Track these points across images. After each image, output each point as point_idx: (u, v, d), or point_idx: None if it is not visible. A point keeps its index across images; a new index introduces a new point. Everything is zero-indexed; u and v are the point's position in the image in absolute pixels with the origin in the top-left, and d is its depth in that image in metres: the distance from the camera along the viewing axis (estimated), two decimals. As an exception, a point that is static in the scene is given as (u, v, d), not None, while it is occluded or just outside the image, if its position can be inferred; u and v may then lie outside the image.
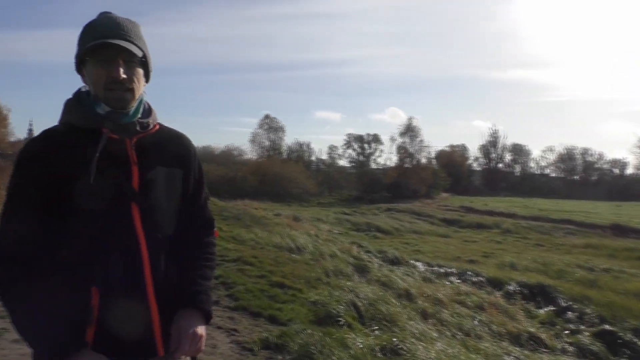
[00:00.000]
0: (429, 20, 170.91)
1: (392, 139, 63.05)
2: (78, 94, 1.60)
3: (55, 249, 1.46)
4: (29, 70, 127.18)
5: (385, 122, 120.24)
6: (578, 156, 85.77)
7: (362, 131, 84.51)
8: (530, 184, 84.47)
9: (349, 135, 76.88)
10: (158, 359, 1.53)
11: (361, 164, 73.02)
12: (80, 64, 1.56)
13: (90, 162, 1.45)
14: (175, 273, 1.64)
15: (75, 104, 1.57)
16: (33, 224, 1.45)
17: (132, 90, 1.54)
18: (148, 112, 1.66)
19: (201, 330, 1.60)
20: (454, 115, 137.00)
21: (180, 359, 1.57)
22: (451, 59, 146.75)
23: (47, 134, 1.54)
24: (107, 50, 1.48)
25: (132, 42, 1.53)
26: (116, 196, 1.50)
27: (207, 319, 1.67)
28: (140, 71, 1.58)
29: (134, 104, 1.57)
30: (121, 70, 1.50)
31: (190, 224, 1.74)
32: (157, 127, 1.68)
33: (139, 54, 1.54)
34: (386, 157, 70.22)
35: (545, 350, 6.53)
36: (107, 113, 1.52)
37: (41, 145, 1.50)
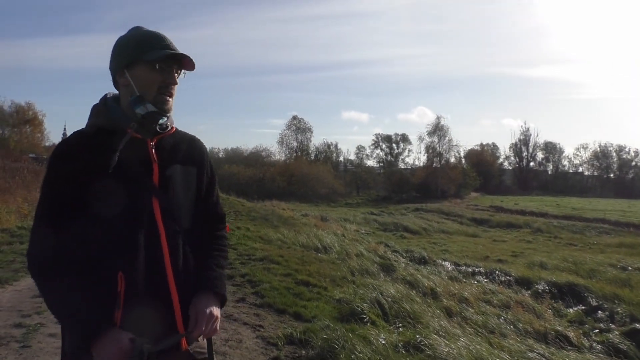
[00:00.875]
0: (457, 18, 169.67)
1: (421, 139, 62.63)
2: (105, 99, 1.77)
3: (85, 240, 1.60)
4: (62, 75, 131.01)
5: (413, 122, 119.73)
6: (613, 154, 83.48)
7: (389, 131, 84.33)
8: (563, 182, 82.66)
9: (377, 135, 76.80)
10: (177, 336, 1.65)
11: (389, 164, 72.72)
12: (124, 68, 1.71)
13: (114, 158, 1.61)
14: (192, 262, 1.79)
15: (103, 108, 1.74)
16: (64, 216, 1.59)
17: (172, 97, 1.76)
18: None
19: (216, 311, 1.74)
20: (482, 114, 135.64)
21: (197, 340, 1.69)
22: (480, 57, 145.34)
23: (76, 135, 1.70)
24: (169, 59, 1.70)
25: (191, 57, 1.73)
26: (139, 191, 1.66)
27: (222, 302, 1.82)
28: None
29: (172, 107, 1.77)
30: (173, 77, 1.73)
31: (205, 219, 1.90)
32: (174, 129, 1.85)
33: (194, 68, 1.76)
34: (414, 156, 70.16)
35: (572, 348, 6.46)
36: (148, 113, 1.68)
37: (71, 146, 1.66)
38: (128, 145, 1.65)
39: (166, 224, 1.68)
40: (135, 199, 1.63)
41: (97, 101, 1.78)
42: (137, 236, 1.62)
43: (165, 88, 1.70)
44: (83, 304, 1.53)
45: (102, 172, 1.60)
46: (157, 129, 1.73)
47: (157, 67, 1.68)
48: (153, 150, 1.71)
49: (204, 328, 1.66)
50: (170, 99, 1.74)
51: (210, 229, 1.94)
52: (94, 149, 1.62)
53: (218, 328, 1.75)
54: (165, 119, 1.75)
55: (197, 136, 1.96)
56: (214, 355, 1.82)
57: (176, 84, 1.74)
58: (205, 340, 1.80)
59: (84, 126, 1.73)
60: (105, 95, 1.79)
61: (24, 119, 51.24)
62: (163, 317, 1.64)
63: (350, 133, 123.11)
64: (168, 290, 1.66)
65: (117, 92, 1.79)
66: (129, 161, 1.64)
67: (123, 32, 1.79)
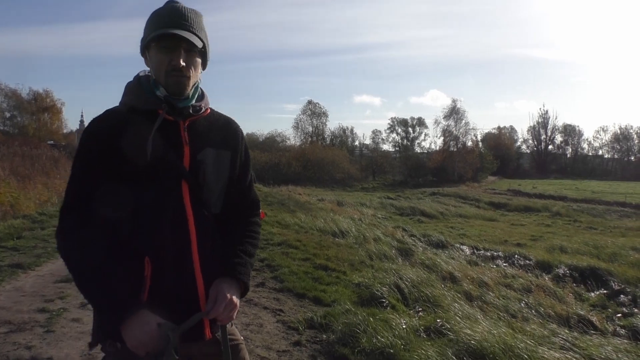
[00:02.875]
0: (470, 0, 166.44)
1: (437, 122, 62.10)
2: (138, 78, 1.71)
3: (113, 221, 1.57)
4: (79, 62, 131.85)
5: (426, 105, 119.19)
6: (634, 136, 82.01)
7: (402, 115, 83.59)
8: (583, 165, 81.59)
9: (393, 119, 76.59)
10: (196, 316, 1.58)
11: (405, 148, 72.45)
12: (145, 49, 1.66)
13: (147, 140, 1.56)
14: (220, 249, 1.73)
15: (136, 87, 1.68)
16: (94, 196, 1.56)
17: (189, 78, 1.64)
18: (201, 97, 1.75)
19: (236, 299, 1.67)
20: (496, 96, 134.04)
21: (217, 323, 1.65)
22: (493, 40, 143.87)
23: (109, 113, 1.65)
24: (170, 39, 1.59)
25: (194, 33, 1.62)
26: (169, 174, 1.60)
27: (244, 291, 1.74)
28: (199, 60, 1.68)
29: (190, 90, 1.67)
30: (181, 58, 1.60)
31: (237, 204, 1.82)
32: (209, 111, 1.77)
33: (199, 44, 1.63)
34: (431, 140, 69.67)
35: (595, 332, 6.37)
36: (165, 97, 1.62)
37: (103, 124, 1.61)
38: (160, 127, 1.60)
39: (195, 208, 1.63)
40: (164, 182, 1.59)
41: (127, 82, 1.73)
42: (164, 220, 1.58)
43: (173, 70, 1.60)
44: (114, 282, 1.50)
45: (132, 153, 1.55)
46: (190, 111, 1.67)
47: (162, 47, 1.60)
48: (185, 133, 1.65)
49: (221, 310, 1.59)
50: (183, 80, 1.62)
51: (242, 214, 1.87)
52: (127, 128, 1.58)
53: (235, 316, 1.68)
54: (193, 99, 1.68)
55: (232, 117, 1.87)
56: (242, 342, 1.78)
57: (184, 65, 1.60)
58: (232, 326, 1.76)
59: (115, 105, 1.69)
60: (138, 74, 1.73)
61: (43, 107, 51.90)
62: (187, 303, 1.59)
63: (363, 117, 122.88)
64: (194, 276, 1.62)
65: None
66: (160, 143, 1.59)
67: (139, 18, 1.77)
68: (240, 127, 1.88)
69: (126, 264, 1.54)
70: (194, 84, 1.69)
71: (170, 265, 1.58)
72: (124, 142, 1.55)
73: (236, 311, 1.67)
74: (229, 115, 1.87)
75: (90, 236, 1.53)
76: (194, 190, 1.63)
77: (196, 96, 1.72)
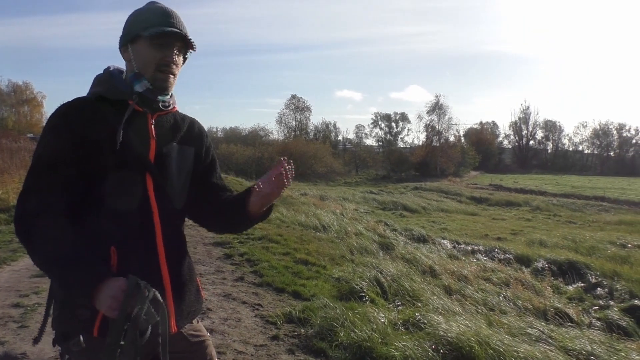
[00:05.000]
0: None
1: (420, 117, 62.29)
2: (109, 71, 1.73)
3: (79, 209, 1.55)
4: (62, 55, 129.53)
5: (405, 100, 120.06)
6: (613, 132, 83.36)
7: (382, 109, 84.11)
8: (563, 160, 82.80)
9: (376, 114, 76.89)
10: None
11: (389, 143, 72.73)
12: (128, 44, 1.67)
13: (116, 130, 1.56)
14: (184, 244, 1.77)
15: (107, 78, 1.69)
16: (59, 174, 1.52)
17: (175, 75, 1.70)
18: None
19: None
20: (474, 92, 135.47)
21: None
22: (473, 36, 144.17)
23: (78, 101, 1.64)
24: (167, 36, 1.64)
25: (187, 35, 1.69)
26: (135, 165, 1.61)
27: (268, 211, 1.78)
28: (181, 60, 1.74)
29: (173, 88, 1.73)
30: (174, 55, 1.67)
31: (217, 190, 1.89)
32: (175, 109, 1.82)
33: (195, 47, 1.70)
34: (414, 135, 70.04)
35: (571, 325, 6.47)
36: (146, 91, 1.65)
37: (73, 110, 1.60)
38: (128, 118, 1.61)
39: (159, 201, 1.64)
40: (130, 173, 1.59)
41: (96, 74, 1.73)
42: (130, 211, 1.58)
43: (164, 66, 1.65)
44: (82, 257, 1.45)
45: (100, 141, 1.55)
46: (160, 106, 1.70)
47: (156, 43, 1.63)
48: (152, 126, 1.68)
49: (273, 177, 1.66)
50: (171, 77, 1.68)
51: (226, 193, 1.90)
52: (97, 116, 1.58)
53: (281, 192, 1.73)
54: (169, 96, 1.73)
55: (195, 117, 1.92)
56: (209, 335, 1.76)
57: (175, 62, 1.67)
58: (198, 322, 1.75)
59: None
60: (108, 67, 1.75)
61: (22, 99, 51.04)
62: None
63: (345, 112, 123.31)
64: (159, 267, 1.62)
65: (121, 67, 1.75)
66: (128, 134, 1.60)
67: (123, 10, 1.77)
68: (204, 128, 1.95)
69: (93, 251, 1.50)
70: (175, 83, 1.73)
71: (136, 255, 1.57)
72: (94, 130, 1.55)
73: (285, 188, 1.70)
74: (193, 117, 1.93)
75: (53, 221, 1.49)
76: (158, 183, 1.64)
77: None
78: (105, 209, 1.56)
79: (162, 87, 1.67)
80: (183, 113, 1.88)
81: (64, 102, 1.64)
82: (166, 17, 1.66)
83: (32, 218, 1.50)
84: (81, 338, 1.47)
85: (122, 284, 1.41)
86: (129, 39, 1.67)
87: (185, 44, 1.70)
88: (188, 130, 1.82)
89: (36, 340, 1.66)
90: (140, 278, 1.50)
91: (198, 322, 1.82)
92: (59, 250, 1.46)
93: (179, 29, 1.65)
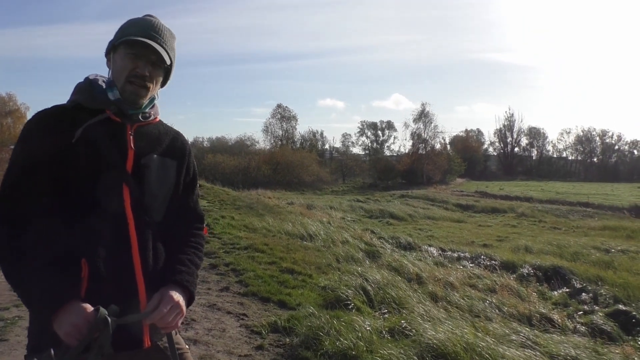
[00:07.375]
0: (434, 4, 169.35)
1: (406, 125, 62.53)
2: (89, 80, 1.69)
3: (51, 218, 1.51)
4: (47, 65, 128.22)
5: (389, 109, 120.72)
6: (596, 138, 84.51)
7: (366, 118, 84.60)
8: (548, 167, 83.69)
9: (363, 122, 77.19)
10: (139, 315, 1.53)
11: (375, 151, 72.98)
12: (111, 51, 1.68)
13: (89, 139, 1.54)
14: (163, 256, 1.70)
15: (87, 87, 1.67)
16: (31, 191, 1.50)
17: (148, 89, 1.66)
18: (151, 105, 1.76)
19: (182, 304, 1.61)
20: (456, 100, 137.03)
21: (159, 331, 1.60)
22: (456, 45, 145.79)
23: (55, 108, 1.62)
24: (141, 47, 1.61)
25: (165, 50, 1.66)
26: (109, 177, 1.57)
27: (189, 300, 1.68)
28: (161, 77, 1.72)
29: (145, 102, 1.69)
30: (146, 69, 1.63)
31: (183, 217, 1.83)
32: (158, 119, 1.79)
33: (167, 61, 1.67)
34: (400, 143, 70.21)
35: (556, 330, 6.50)
36: (116, 100, 1.62)
37: (50, 118, 1.58)
38: (106, 129, 1.58)
39: (136, 213, 1.60)
40: (104, 184, 1.55)
41: (77, 83, 1.71)
42: (102, 223, 1.54)
43: (134, 77, 1.61)
44: (47, 274, 1.43)
45: (75, 150, 1.52)
46: (140, 117, 1.67)
47: (130, 53, 1.61)
48: (131, 137, 1.64)
49: (165, 312, 1.53)
50: (143, 90, 1.64)
51: (188, 226, 1.86)
52: (71, 124, 1.55)
53: (180, 324, 1.62)
54: (141, 108, 1.67)
55: (180, 130, 1.89)
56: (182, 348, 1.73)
57: (147, 76, 1.63)
58: (177, 334, 1.72)
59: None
60: (87, 77, 1.71)
61: (5, 110, 50.41)
62: (129, 309, 1.53)
63: (329, 121, 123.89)
64: (134, 281, 1.57)
65: (104, 76, 1.73)
66: (104, 145, 1.57)
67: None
68: (188, 141, 1.91)
69: (62, 264, 1.47)
70: (150, 98, 1.70)
71: (110, 268, 1.52)
72: (69, 138, 1.52)
73: (182, 318, 1.61)
74: (178, 130, 1.89)
75: (23, 231, 1.46)
76: (135, 195, 1.60)
77: (149, 106, 1.73)
78: (78, 219, 1.52)
79: (131, 100, 1.63)
80: (168, 125, 1.85)
81: (42, 109, 1.62)
82: (148, 29, 1.64)
83: (1, 226, 1.47)
84: (52, 352, 1.44)
85: (90, 316, 1.38)
86: (111, 46, 1.66)
87: (162, 60, 1.65)
88: (171, 143, 1.78)
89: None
90: (113, 291, 1.48)
91: (177, 333, 1.77)
92: (25, 265, 1.43)
93: (156, 42, 1.62)
